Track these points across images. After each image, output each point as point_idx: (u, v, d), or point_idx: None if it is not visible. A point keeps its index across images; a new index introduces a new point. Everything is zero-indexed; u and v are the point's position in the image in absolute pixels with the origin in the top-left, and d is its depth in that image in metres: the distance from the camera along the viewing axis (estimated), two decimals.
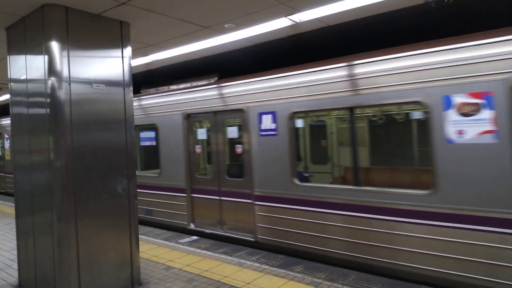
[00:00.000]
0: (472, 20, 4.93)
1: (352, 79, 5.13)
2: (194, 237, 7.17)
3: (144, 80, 8.60)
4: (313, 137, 8.71)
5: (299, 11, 4.53)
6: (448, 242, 4.42)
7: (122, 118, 4.30)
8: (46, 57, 3.83)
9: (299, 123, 7.81)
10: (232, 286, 4.35)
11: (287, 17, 4.70)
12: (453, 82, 4.34)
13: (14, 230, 4.66)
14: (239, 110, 6.50)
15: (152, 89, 8.30)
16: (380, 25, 5.22)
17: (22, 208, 4.42)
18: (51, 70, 3.82)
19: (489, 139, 4.14)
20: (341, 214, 5.30)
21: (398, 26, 5.29)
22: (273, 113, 6.01)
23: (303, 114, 6.15)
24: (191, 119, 7.42)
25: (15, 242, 4.67)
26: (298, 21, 4.85)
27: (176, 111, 7.57)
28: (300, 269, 5.21)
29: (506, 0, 4.51)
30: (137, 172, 7.31)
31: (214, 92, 6.91)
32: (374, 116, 7.22)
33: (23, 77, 4.22)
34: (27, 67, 4.15)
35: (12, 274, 4.90)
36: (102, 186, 4.09)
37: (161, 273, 4.83)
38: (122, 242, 4.26)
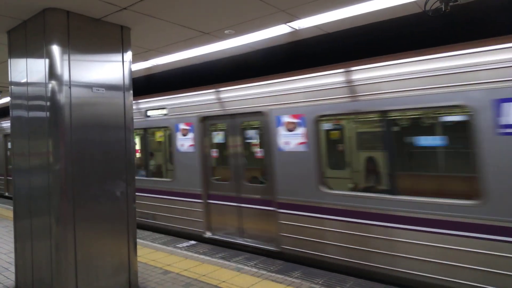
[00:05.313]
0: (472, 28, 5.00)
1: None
2: (192, 242, 7.16)
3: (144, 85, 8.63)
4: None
5: (299, 18, 4.57)
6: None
7: (121, 122, 4.31)
8: (47, 60, 3.85)
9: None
10: None
11: (287, 24, 4.74)
12: (281, 106, 5.89)
13: (12, 233, 4.65)
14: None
15: None
16: (375, 33, 5.29)
17: (21, 211, 4.41)
18: (52, 73, 3.83)
19: (302, 148, 5.66)
20: None
21: (387, 36, 5.39)
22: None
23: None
24: None
25: (12, 245, 4.66)
26: (297, 28, 4.89)
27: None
28: (298, 274, 5.21)
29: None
30: None
31: None
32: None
33: (24, 80, 4.24)
34: (28, 70, 4.17)
35: (9, 277, 4.89)
36: (100, 190, 4.10)
37: (158, 277, 4.83)
38: (120, 246, 4.26)
